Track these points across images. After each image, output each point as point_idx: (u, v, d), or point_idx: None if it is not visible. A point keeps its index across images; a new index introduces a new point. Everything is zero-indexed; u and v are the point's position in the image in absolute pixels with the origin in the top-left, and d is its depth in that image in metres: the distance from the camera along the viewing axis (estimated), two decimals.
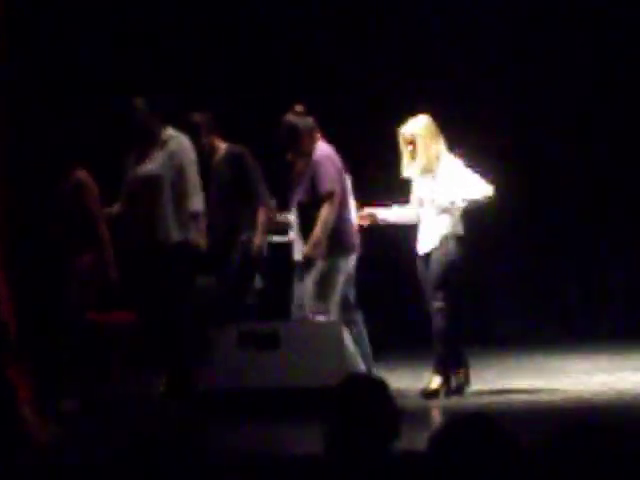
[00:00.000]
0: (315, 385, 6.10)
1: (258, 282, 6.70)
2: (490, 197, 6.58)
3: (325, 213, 6.23)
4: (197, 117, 6.72)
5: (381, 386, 2.90)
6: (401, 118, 6.87)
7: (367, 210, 6.72)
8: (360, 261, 6.75)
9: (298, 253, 6.57)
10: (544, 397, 7.04)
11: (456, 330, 6.61)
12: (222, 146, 6.71)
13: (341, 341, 6.34)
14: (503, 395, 7.06)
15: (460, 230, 6.55)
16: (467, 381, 6.49)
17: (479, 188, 6.51)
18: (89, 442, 5.87)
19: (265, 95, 9.60)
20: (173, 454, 2.04)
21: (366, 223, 6.69)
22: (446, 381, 6.61)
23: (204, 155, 6.69)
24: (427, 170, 6.43)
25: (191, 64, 10.27)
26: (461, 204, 6.46)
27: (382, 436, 2.80)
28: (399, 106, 7.98)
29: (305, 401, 6.09)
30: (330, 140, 6.85)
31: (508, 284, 10.75)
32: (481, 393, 7.02)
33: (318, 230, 6.21)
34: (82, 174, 6.38)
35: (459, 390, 6.42)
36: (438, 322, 6.42)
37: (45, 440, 5.79)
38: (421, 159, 6.41)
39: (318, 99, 8.07)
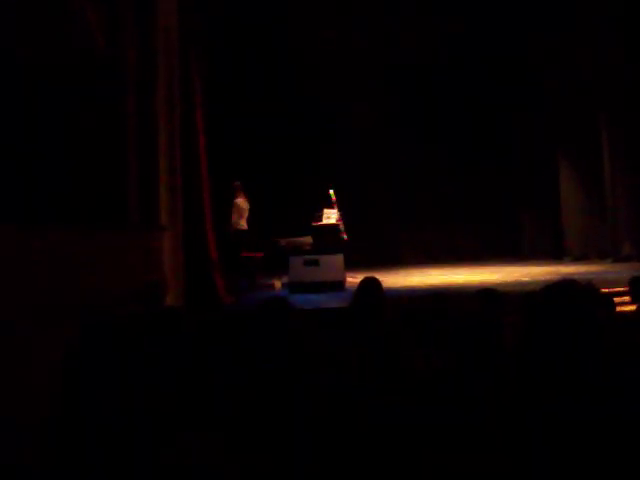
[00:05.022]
0: (330, 279, 11.27)
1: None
2: None
3: None
4: None
5: (376, 280, 4.79)
6: None
7: None
8: None
9: None
10: (426, 283, 11.72)
11: None
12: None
13: (341, 263, 11.50)
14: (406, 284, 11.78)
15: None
16: None
17: None
18: (247, 303, 10.43)
19: None
20: (284, 303, 3.18)
21: None
22: None
23: None
24: None
25: None
26: None
27: (378, 298, 4.57)
28: None
29: (327, 285, 11.15)
30: None
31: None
32: (397, 283, 11.77)
33: None
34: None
35: None
36: None
37: (227, 301, 10.44)
38: None
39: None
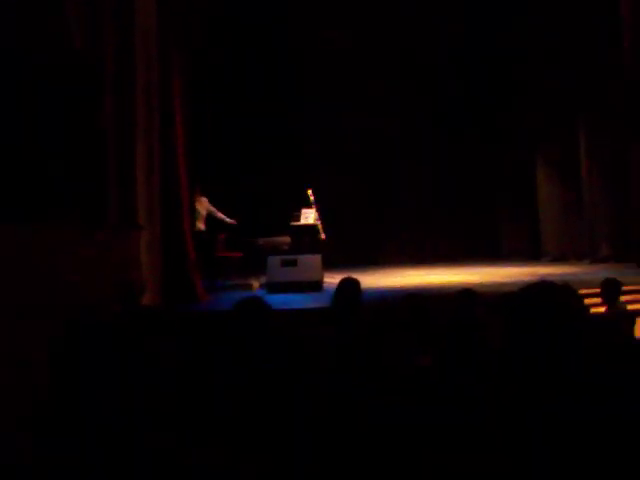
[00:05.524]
0: (308, 279, 11.21)
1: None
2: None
3: None
4: None
5: (355, 280, 4.96)
6: None
7: None
8: None
9: None
10: (404, 284, 11.85)
11: None
12: None
13: (319, 263, 11.52)
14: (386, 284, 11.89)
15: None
16: None
17: None
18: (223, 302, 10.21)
19: None
20: (262, 303, 3.13)
21: None
22: None
23: None
24: None
25: None
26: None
27: (357, 298, 4.79)
28: None
29: (304, 285, 11.13)
30: None
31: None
32: (375, 284, 11.78)
33: None
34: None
35: None
36: None
37: (204, 299, 10.54)
38: None
39: None
